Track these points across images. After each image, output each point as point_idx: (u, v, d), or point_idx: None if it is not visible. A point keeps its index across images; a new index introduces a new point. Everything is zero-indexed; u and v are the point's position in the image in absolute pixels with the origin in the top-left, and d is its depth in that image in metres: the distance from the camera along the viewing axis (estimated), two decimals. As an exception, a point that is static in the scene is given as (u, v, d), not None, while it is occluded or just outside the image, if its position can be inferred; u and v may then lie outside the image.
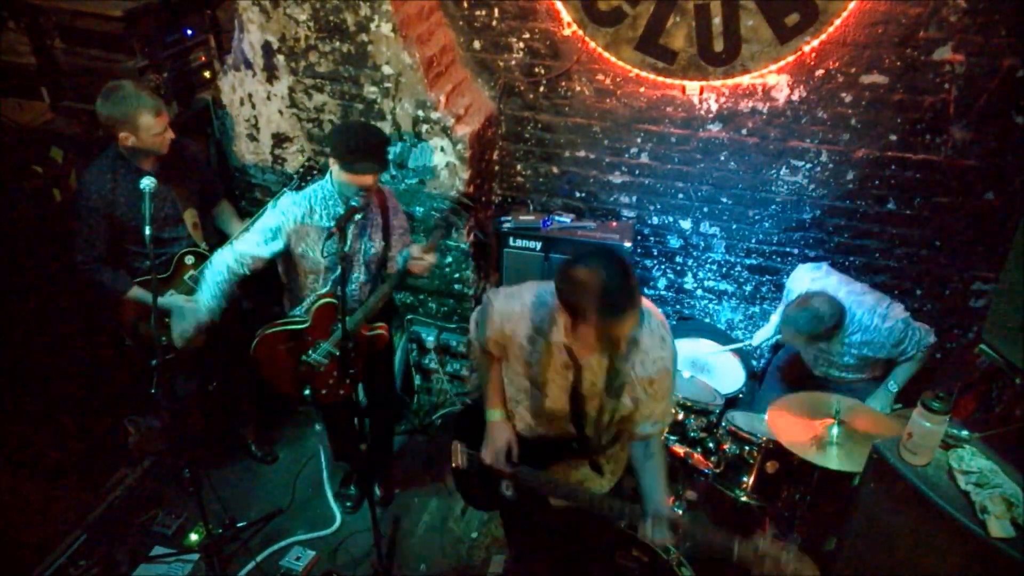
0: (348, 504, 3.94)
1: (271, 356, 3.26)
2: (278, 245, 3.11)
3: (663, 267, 4.20)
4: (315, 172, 3.45)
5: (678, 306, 4.31)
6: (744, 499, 3.21)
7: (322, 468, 4.12)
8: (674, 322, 4.32)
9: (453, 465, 2.82)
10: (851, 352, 3.39)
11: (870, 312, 3.33)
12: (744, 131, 3.67)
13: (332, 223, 3.01)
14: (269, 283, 4.22)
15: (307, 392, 3.29)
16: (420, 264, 3.16)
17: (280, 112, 3.86)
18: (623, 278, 2.07)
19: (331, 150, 2.99)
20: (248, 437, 4.18)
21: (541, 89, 3.85)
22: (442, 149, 3.72)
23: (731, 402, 3.64)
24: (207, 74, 4.02)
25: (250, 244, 3.13)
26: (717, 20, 3.36)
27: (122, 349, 3.56)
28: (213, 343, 3.71)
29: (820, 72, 3.44)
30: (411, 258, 3.16)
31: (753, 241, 3.97)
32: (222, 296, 3.18)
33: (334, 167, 2.99)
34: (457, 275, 4.01)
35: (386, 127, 3.73)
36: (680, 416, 3.38)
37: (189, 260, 3.41)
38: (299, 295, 3.27)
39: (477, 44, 3.82)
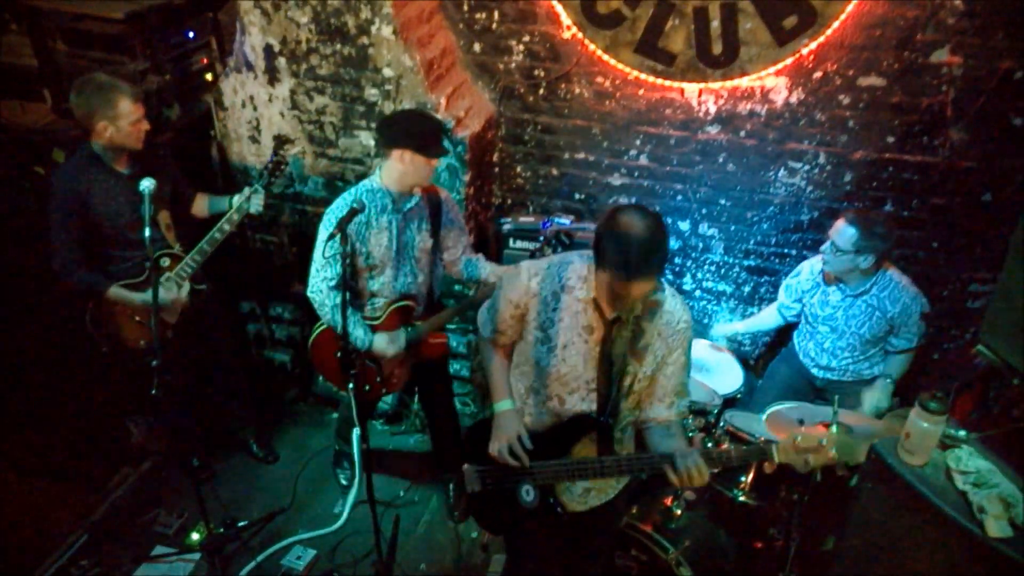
0: (344, 482, 4.06)
1: (330, 348, 3.32)
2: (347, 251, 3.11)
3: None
4: (284, 166, 3.49)
5: (690, 314, 4.32)
6: (742, 499, 3.22)
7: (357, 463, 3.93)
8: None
9: (468, 491, 2.71)
10: (867, 314, 3.40)
11: (898, 279, 3.39)
12: (742, 133, 3.69)
13: (384, 216, 3.12)
14: (267, 285, 4.27)
15: (351, 386, 3.27)
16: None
17: (282, 114, 3.87)
18: (650, 244, 2.11)
19: (401, 139, 3.00)
20: (248, 438, 4.19)
21: (541, 91, 3.86)
22: (442, 151, 3.74)
23: (729, 402, 3.65)
24: (209, 76, 4.03)
25: (331, 265, 3.14)
26: (715, 23, 3.38)
27: (101, 356, 3.54)
28: (208, 344, 3.74)
29: (818, 74, 3.46)
30: (483, 285, 3.35)
31: (751, 242, 3.99)
32: (356, 317, 3.24)
33: (405, 155, 3.00)
34: (457, 276, 4.03)
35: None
36: (688, 409, 3.38)
37: (164, 262, 3.40)
38: (362, 293, 3.31)
39: (477, 47, 3.84)
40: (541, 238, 3.29)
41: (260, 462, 4.17)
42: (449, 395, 3.89)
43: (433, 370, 3.68)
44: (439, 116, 3.64)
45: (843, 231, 3.27)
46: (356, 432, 3.39)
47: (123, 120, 3.11)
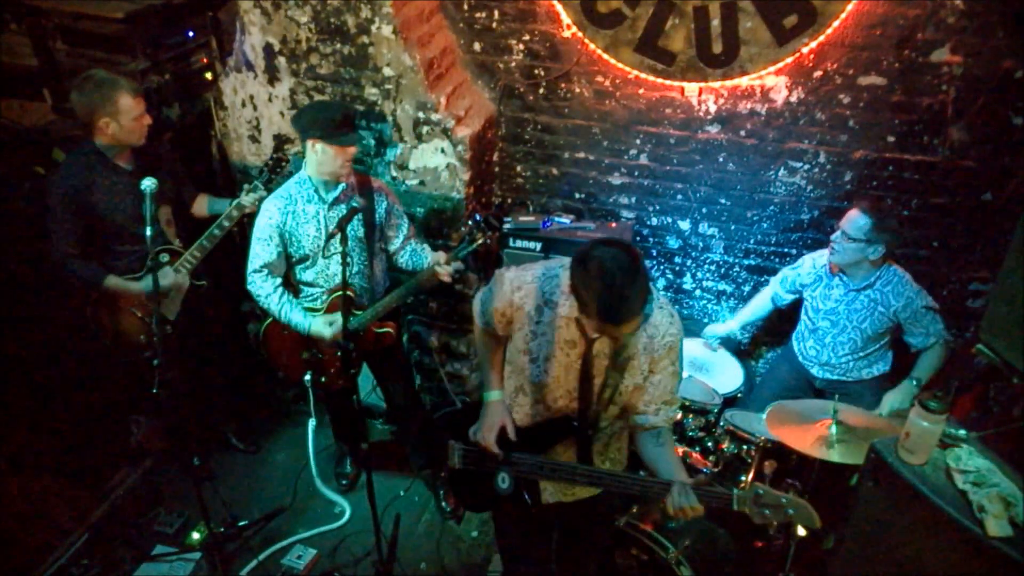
0: (344, 482, 4.07)
1: (279, 339, 3.42)
2: (277, 244, 3.22)
3: (662, 267, 4.21)
4: (284, 163, 3.52)
5: (677, 306, 4.32)
6: (743, 498, 3.22)
7: (311, 459, 3.87)
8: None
9: (449, 465, 2.76)
10: (869, 309, 3.40)
11: (901, 274, 3.39)
12: (743, 132, 3.69)
13: (311, 205, 3.18)
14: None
15: (307, 378, 3.44)
16: (444, 271, 3.29)
17: (282, 114, 3.87)
18: (630, 284, 2.06)
19: (308, 129, 3.07)
20: (228, 431, 4.19)
21: (541, 91, 3.86)
22: (442, 151, 3.74)
23: (729, 401, 3.66)
24: (208, 76, 4.03)
25: (260, 256, 3.25)
26: (716, 22, 3.38)
27: (101, 354, 3.58)
28: (204, 342, 3.75)
29: (818, 74, 3.46)
30: (439, 265, 3.29)
31: (751, 242, 3.99)
32: (292, 302, 3.32)
33: (316, 145, 3.07)
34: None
35: (387, 129, 3.75)
36: (679, 416, 3.39)
37: (163, 258, 3.42)
38: (297, 283, 3.41)
39: (477, 46, 3.84)
40: (469, 221, 3.26)
41: (242, 452, 4.19)
42: (408, 387, 3.89)
43: (386, 362, 3.69)
44: (438, 114, 3.65)
45: (856, 220, 3.27)
46: (312, 423, 3.62)
47: (124, 116, 3.13)
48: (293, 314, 3.30)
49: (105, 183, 3.21)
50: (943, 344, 3.45)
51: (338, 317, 3.27)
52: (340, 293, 3.28)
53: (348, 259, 3.24)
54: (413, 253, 3.48)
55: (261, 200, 3.38)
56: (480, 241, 3.21)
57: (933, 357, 3.46)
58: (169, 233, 3.48)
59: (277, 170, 3.48)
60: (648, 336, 2.32)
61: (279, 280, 3.32)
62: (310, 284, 3.37)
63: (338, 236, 3.16)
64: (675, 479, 2.28)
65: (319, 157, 3.09)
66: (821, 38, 3.31)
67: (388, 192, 3.42)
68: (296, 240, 3.24)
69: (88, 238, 3.29)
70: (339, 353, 3.31)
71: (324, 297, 3.36)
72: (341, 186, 3.23)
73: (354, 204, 2.94)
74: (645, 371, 2.36)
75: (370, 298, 3.44)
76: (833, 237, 3.38)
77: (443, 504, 3.92)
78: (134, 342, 3.46)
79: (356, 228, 3.28)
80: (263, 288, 3.28)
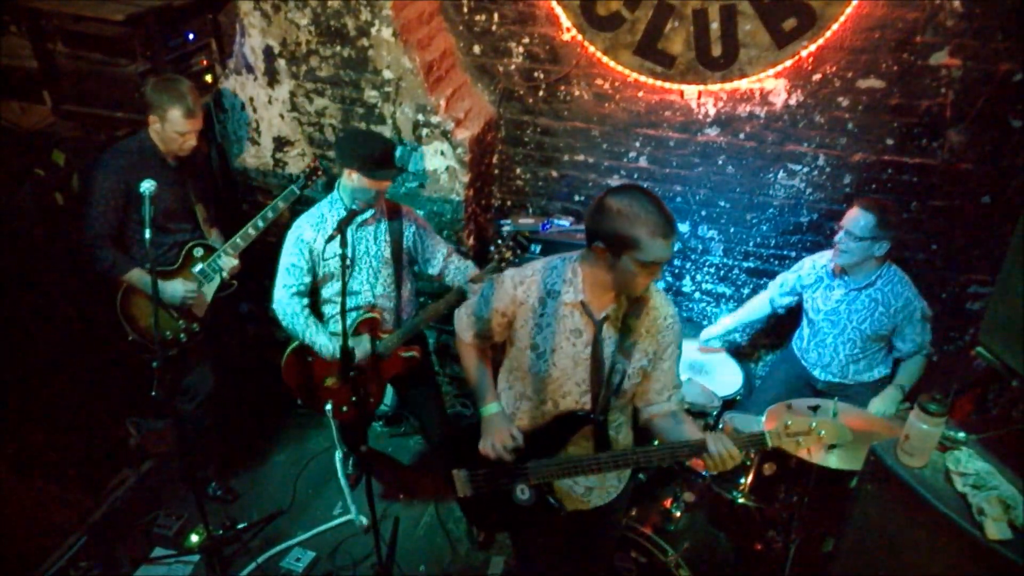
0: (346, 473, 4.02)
1: (302, 368, 3.42)
2: (307, 261, 3.25)
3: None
4: (319, 173, 3.54)
5: (676, 308, 4.31)
6: (741, 500, 3.22)
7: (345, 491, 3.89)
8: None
9: (460, 496, 2.68)
10: (870, 309, 3.40)
11: (901, 274, 3.40)
12: (742, 135, 3.69)
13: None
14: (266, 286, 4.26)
15: (328, 407, 3.43)
16: (475, 289, 3.24)
17: (281, 116, 3.88)
18: (660, 203, 2.16)
19: (348, 159, 3.10)
20: (210, 476, 3.97)
21: (540, 93, 3.86)
22: (442, 153, 3.75)
23: (728, 404, 3.66)
24: (209, 78, 4.03)
25: (291, 273, 3.26)
26: (715, 25, 3.38)
27: (125, 343, 3.53)
28: (214, 343, 3.74)
29: (817, 77, 3.46)
30: (467, 285, 3.29)
31: (751, 244, 3.99)
32: (318, 325, 3.32)
33: (352, 175, 3.11)
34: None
35: (386, 131, 3.76)
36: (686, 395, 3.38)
37: (198, 252, 3.47)
38: (324, 302, 3.40)
39: (477, 49, 3.84)
40: (499, 240, 3.24)
41: (218, 501, 3.92)
42: (439, 409, 3.81)
43: (412, 387, 3.66)
44: (438, 117, 3.66)
45: (859, 218, 3.27)
46: (338, 454, 3.64)
47: (169, 125, 3.21)
48: (319, 336, 3.30)
49: (150, 174, 3.22)
50: (925, 356, 3.48)
51: (364, 339, 3.31)
52: (367, 316, 3.33)
53: (352, 266, 3.27)
54: (457, 270, 3.45)
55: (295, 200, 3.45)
56: (509, 259, 3.18)
57: (914, 367, 3.49)
58: (205, 229, 3.54)
59: (313, 178, 3.56)
60: (652, 319, 2.37)
61: (307, 301, 3.33)
62: (334, 301, 3.33)
63: (360, 254, 3.24)
64: (705, 436, 2.30)
65: (354, 185, 3.14)
66: (820, 41, 3.32)
67: (416, 217, 3.44)
68: (324, 259, 3.27)
69: (120, 226, 3.32)
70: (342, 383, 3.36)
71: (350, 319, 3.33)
72: (371, 211, 3.26)
73: (353, 207, 2.94)
74: (650, 354, 2.39)
75: (396, 321, 3.44)
76: (837, 239, 3.37)
77: (472, 530, 3.81)
78: (158, 342, 3.45)
79: (383, 250, 3.32)
80: (289, 307, 3.28)
